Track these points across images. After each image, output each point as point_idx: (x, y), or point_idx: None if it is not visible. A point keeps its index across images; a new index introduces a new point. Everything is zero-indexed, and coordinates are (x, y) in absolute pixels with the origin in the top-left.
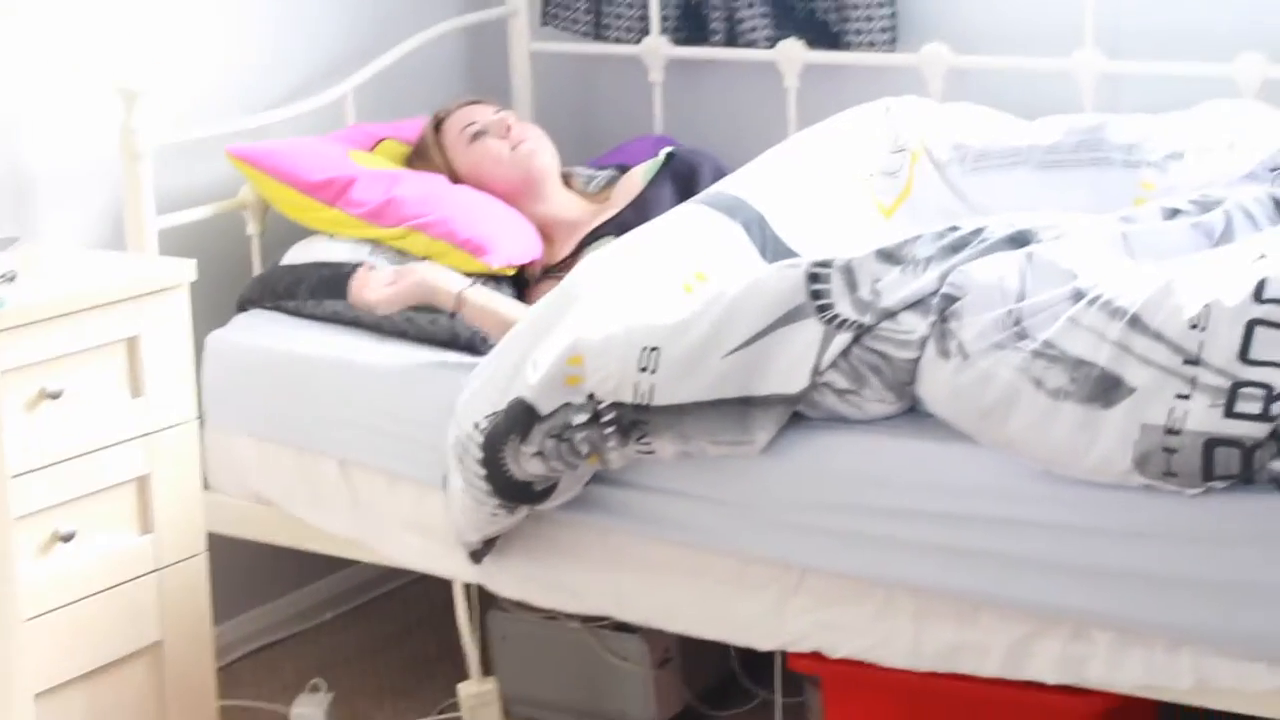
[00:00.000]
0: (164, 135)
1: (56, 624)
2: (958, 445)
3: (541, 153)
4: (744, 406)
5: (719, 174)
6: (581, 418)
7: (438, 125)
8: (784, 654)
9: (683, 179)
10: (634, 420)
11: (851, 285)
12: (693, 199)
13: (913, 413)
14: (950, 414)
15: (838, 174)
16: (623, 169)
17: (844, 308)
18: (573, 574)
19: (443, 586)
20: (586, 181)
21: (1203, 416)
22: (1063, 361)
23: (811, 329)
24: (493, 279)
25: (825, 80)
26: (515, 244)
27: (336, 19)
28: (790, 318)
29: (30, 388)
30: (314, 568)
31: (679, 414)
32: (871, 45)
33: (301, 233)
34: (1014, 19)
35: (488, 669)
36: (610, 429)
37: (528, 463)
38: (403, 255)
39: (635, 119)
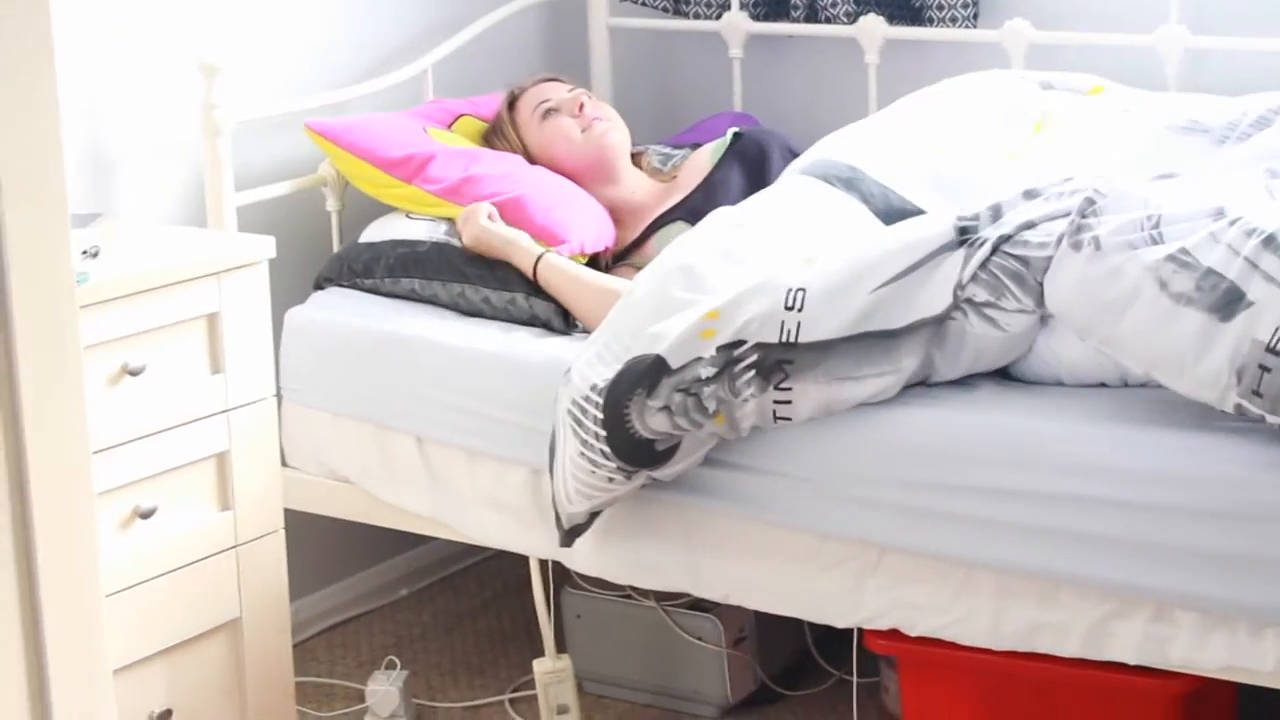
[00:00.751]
0: (244, 111)
1: (136, 600)
2: (1039, 421)
3: (614, 132)
4: (889, 339)
5: (789, 153)
6: (709, 371)
7: (511, 103)
8: (860, 634)
9: (751, 160)
10: (778, 360)
11: (997, 218)
12: (802, 170)
13: (996, 385)
14: (1069, 304)
15: (955, 132)
16: (696, 147)
17: (988, 233)
18: (650, 551)
19: (517, 563)
20: (664, 160)
21: None
22: (1193, 269)
23: (955, 257)
24: None
25: (906, 56)
26: (590, 230)
27: None
28: (938, 253)
29: (113, 364)
30: (389, 544)
31: (824, 351)
32: (953, 21)
33: (380, 210)
34: None
35: (562, 646)
36: (750, 373)
37: (653, 418)
38: None
39: (715, 95)
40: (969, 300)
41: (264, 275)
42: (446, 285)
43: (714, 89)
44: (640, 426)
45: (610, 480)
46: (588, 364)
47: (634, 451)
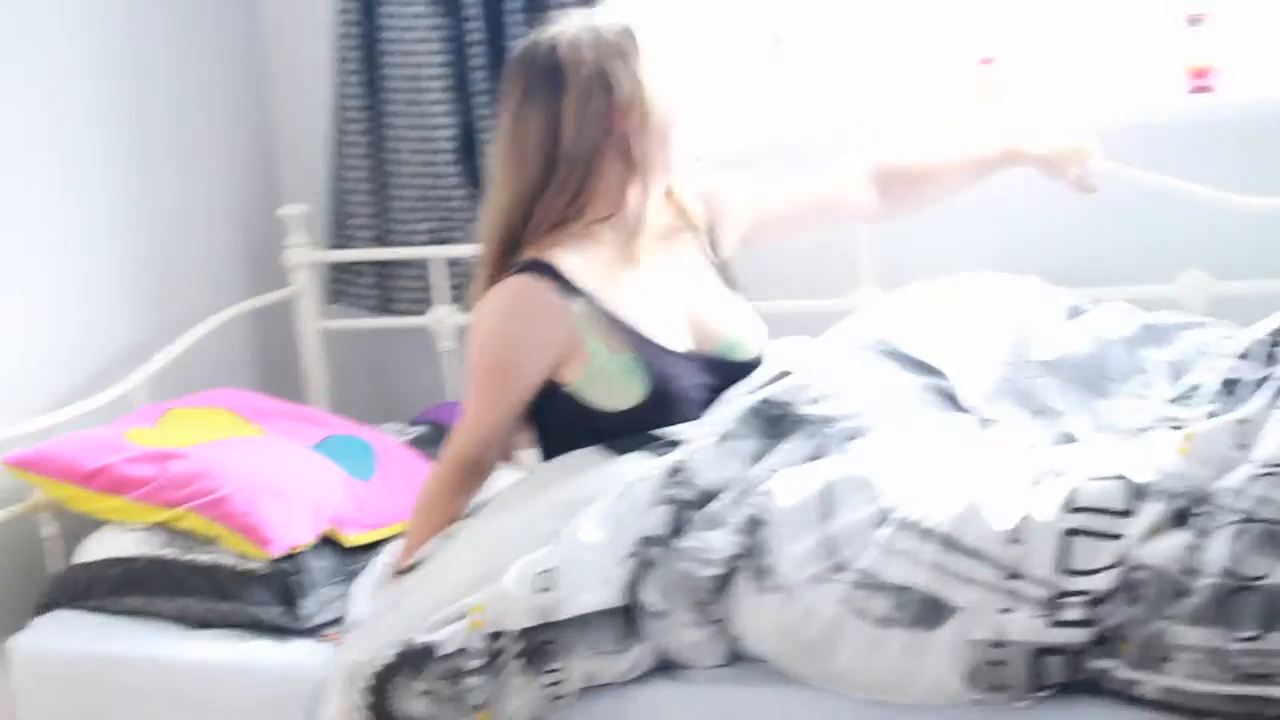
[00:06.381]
0: None
1: None
2: (777, 691)
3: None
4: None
5: None
6: (477, 662)
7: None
8: None
9: None
10: (542, 642)
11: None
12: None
13: (736, 663)
14: (774, 651)
15: None
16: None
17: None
18: None
19: None
20: None
21: (1027, 627)
22: (884, 590)
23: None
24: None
25: None
26: (302, 518)
27: (117, 312)
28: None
29: None
30: None
31: (583, 626)
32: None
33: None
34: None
35: None
36: (518, 661)
37: (413, 701)
38: (190, 537)
39: (427, 387)
40: (644, 607)
41: None
42: (171, 599)
43: (426, 381)
44: (397, 707)
45: None
46: (367, 632)
47: None
